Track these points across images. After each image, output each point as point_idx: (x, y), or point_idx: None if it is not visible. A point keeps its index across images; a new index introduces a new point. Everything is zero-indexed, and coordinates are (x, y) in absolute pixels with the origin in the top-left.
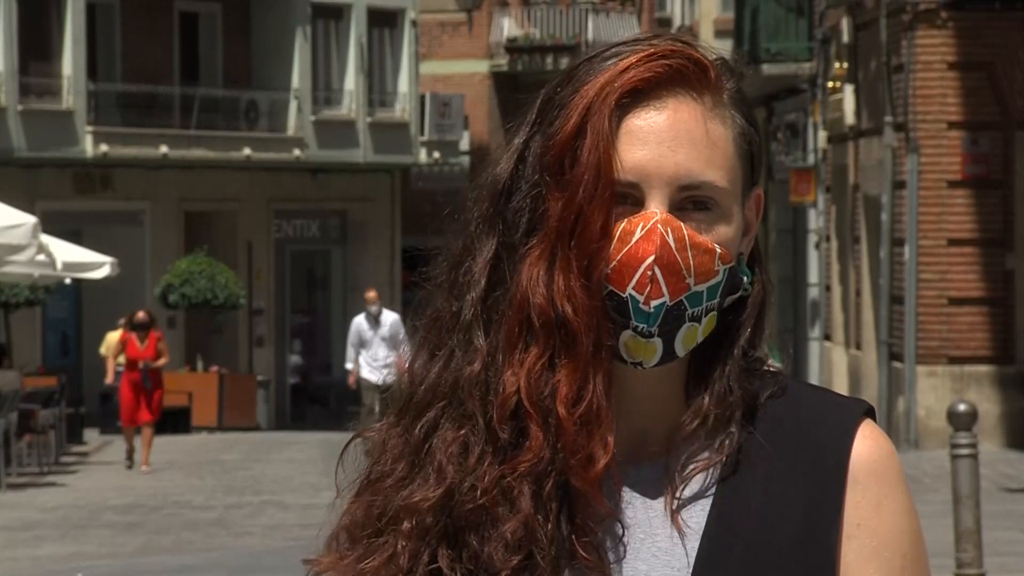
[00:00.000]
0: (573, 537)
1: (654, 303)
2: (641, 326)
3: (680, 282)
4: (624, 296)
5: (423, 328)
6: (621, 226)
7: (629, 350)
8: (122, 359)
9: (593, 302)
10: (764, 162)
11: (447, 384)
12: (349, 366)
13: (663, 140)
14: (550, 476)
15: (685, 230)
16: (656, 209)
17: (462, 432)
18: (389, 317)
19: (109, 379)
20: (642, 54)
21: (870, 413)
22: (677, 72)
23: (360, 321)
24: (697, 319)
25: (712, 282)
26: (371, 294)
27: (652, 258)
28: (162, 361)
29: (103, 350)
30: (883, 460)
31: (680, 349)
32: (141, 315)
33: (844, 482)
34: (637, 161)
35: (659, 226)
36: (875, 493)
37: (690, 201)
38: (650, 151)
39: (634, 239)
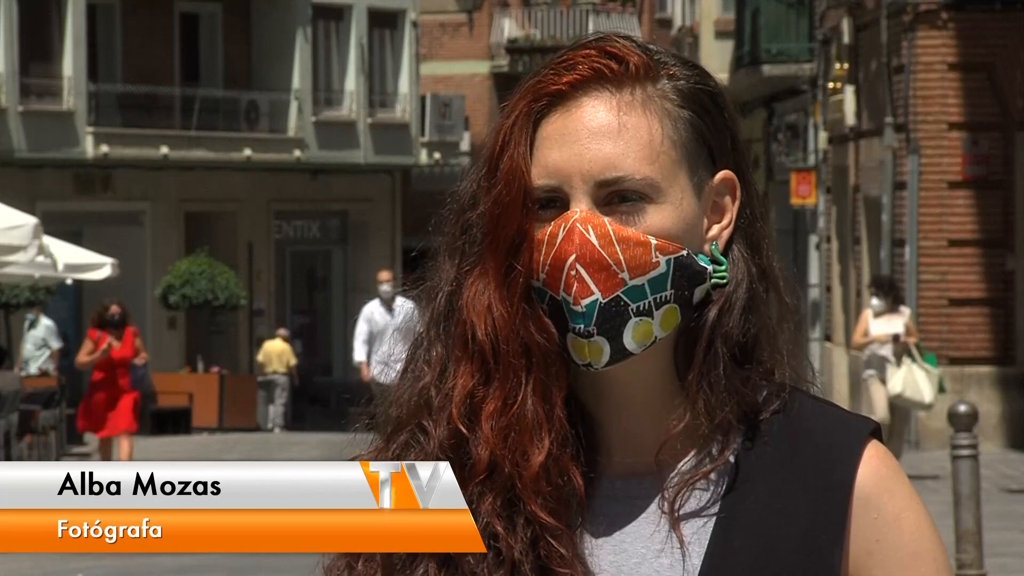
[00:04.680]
0: (543, 550)
1: (584, 302)
2: (578, 326)
3: (612, 278)
4: (559, 299)
5: (407, 352)
6: (548, 231)
7: (576, 352)
8: (87, 354)
9: (512, 312)
10: (739, 146)
11: (412, 404)
12: (360, 358)
13: (577, 139)
14: (504, 490)
15: (609, 225)
16: (577, 208)
17: (427, 456)
18: (404, 305)
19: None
20: (558, 61)
21: (876, 433)
22: (595, 72)
23: (371, 309)
24: (646, 313)
25: (653, 274)
26: (385, 274)
27: (573, 257)
28: (142, 358)
29: (260, 357)
30: (892, 477)
31: (632, 345)
32: (115, 309)
33: (849, 501)
34: (554, 163)
35: (578, 225)
36: (891, 509)
37: (616, 195)
38: (565, 152)
39: (558, 241)
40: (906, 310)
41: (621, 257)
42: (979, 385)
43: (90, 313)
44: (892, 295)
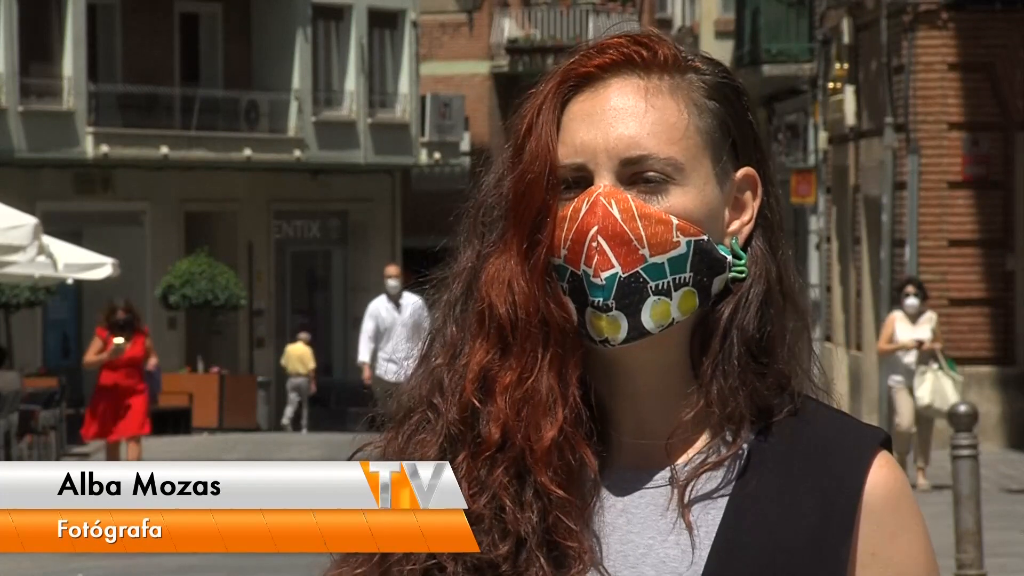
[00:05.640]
0: (551, 523)
1: (604, 274)
2: (597, 300)
3: (632, 253)
4: (579, 273)
5: (423, 345)
6: (572, 206)
7: (593, 328)
8: (95, 353)
9: (533, 286)
10: (761, 147)
11: (424, 387)
12: (364, 359)
13: (604, 118)
14: (515, 463)
15: (632, 200)
16: (601, 183)
17: (436, 433)
18: (411, 300)
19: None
20: (589, 47)
21: (886, 444)
22: (625, 57)
23: (378, 306)
24: (665, 293)
25: (673, 253)
26: (392, 269)
27: (595, 229)
28: (152, 362)
29: (283, 362)
30: (899, 491)
31: (649, 324)
32: (121, 313)
33: (857, 507)
34: (580, 141)
35: (601, 198)
36: (891, 524)
37: (640, 175)
38: (591, 130)
39: (581, 215)
40: (932, 315)
41: (643, 233)
42: (979, 385)
43: (94, 311)
44: (923, 296)
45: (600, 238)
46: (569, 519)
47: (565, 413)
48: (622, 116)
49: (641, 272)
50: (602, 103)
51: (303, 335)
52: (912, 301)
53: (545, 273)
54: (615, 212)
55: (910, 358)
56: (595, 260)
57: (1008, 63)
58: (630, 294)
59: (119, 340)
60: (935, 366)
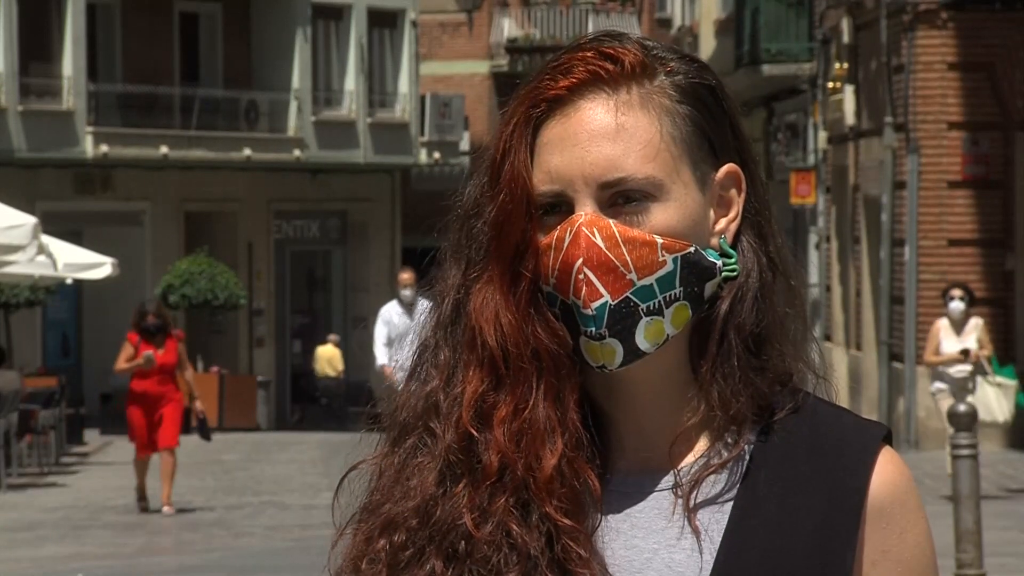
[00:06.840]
0: (561, 551)
1: (594, 305)
2: (590, 329)
3: (620, 279)
4: (570, 303)
5: (414, 356)
6: (555, 235)
7: (589, 355)
8: (127, 360)
9: (520, 318)
10: (742, 139)
11: (420, 408)
12: (382, 361)
13: (577, 143)
14: (517, 491)
15: (614, 227)
16: (582, 212)
17: (434, 458)
18: (423, 306)
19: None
20: (555, 66)
21: (888, 438)
22: (591, 75)
23: (390, 311)
24: (656, 312)
25: (660, 273)
26: (405, 275)
27: (580, 261)
28: (188, 373)
29: (317, 366)
30: (905, 487)
31: (645, 345)
32: (152, 319)
33: (863, 505)
34: (555, 168)
35: (583, 228)
36: (900, 521)
37: (620, 196)
38: (565, 156)
39: (565, 245)
40: (979, 321)
41: (628, 258)
42: None
43: (94, 311)
44: (971, 301)
45: (586, 269)
46: (578, 545)
47: (565, 439)
48: (595, 139)
49: (631, 297)
50: (574, 127)
51: (332, 337)
52: (957, 305)
53: (531, 304)
54: (598, 241)
55: (957, 367)
56: (583, 292)
57: (1008, 63)
58: (622, 319)
59: (148, 352)
60: (980, 378)
